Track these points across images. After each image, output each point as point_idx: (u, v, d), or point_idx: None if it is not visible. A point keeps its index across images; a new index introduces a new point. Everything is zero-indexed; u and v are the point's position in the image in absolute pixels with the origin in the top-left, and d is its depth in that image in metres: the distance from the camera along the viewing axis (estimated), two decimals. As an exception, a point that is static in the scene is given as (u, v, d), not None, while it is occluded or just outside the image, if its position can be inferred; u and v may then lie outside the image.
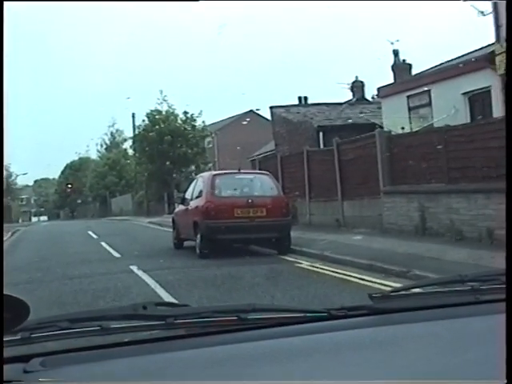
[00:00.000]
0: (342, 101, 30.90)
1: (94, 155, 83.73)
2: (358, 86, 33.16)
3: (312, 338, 1.76)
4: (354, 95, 32.69)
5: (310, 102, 34.21)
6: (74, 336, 1.75)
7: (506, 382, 1.32)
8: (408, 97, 21.60)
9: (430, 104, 20.62)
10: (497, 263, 9.54)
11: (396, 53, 30.20)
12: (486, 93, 17.91)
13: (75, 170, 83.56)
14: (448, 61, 22.04)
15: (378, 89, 24.58)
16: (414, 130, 19.36)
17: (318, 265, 12.34)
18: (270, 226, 14.21)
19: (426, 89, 20.62)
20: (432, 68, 22.53)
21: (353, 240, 15.17)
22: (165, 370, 1.59)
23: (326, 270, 11.67)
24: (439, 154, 14.49)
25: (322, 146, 23.84)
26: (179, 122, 43.83)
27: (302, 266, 12.56)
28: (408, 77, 26.87)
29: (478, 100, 18.55)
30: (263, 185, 15.50)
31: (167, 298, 8.91)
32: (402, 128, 19.58)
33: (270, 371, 1.55)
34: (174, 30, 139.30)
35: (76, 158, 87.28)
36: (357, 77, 33.88)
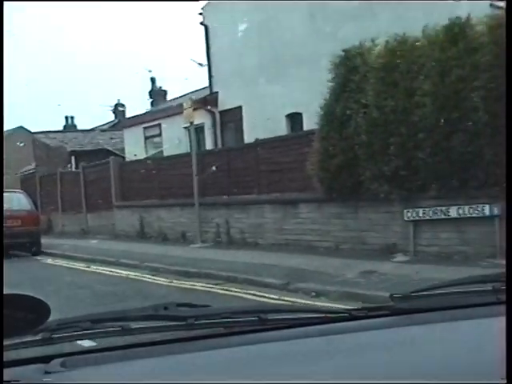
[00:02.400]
0: (110, 120, 34.91)
1: None
2: (119, 109, 37.00)
3: (333, 338, 1.74)
4: (116, 117, 36.43)
5: (77, 121, 37.93)
6: (94, 337, 1.78)
7: (505, 382, 1.33)
8: (144, 128, 26.45)
9: (160, 135, 25.63)
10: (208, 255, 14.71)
11: (153, 80, 34.77)
12: (200, 128, 23.21)
13: None
14: (176, 98, 27.36)
15: (120, 121, 29.36)
16: (147, 156, 24.33)
17: (58, 261, 16.87)
18: (23, 233, 18.41)
19: (157, 122, 25.65)
20: (180, 97, 27.32)
21: (90, 243, 19.88)
22: (186, 370, 1.60)
23: (64, 264, 16.23)
24: (154, 177, 19.58)
25: (73, 168, 28.11)
26: None
27: (47, 262, 17.01)
28: (163, 102, 31.65)
29: (197, 133, 23.84)
30: (19, 201, 19.69)
31: None
32: (135, 155, 24.40)
33: (291, 372, 1.53)
34: None
35: None
36: (119, 100, 37.71)
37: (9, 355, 1.59)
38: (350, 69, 12.45)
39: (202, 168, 17.28)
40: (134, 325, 1.79)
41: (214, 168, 16.88)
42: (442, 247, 11.48)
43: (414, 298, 2.04)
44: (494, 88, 10.63)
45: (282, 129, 18.77)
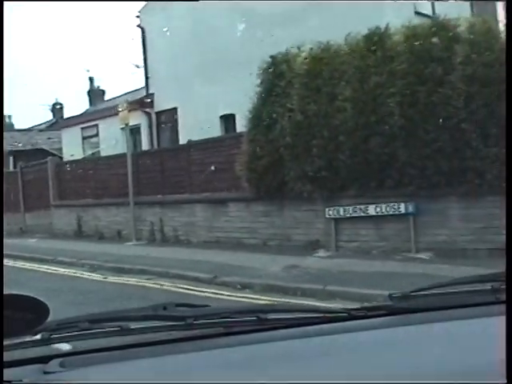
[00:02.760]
0: (48, 120, 34.80)
1: None
2: (57, 108, 36.79)
3: (332, 338, 1.75)
4: (54, 116, 36.16)
5: (14, 120, 37.54)
6: (93, 337, 1.76)
7: (505, 382, 1.33)
8: (82, 128, 26.68)
9: (97, 135, 25.91)
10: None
11: (91, 80, 34.76)
12: (137, 129, 23.59)
13: None
14: (114, 98, 27.68)
15: (58, 121, 29.50)
16: (85, 156, 24.61)
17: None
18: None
19: (95, 123, 25.93)
20: (118, 97, 27.42)
21: (28, 242, 20.09)
22: (185, 370, 1.60)
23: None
24: (91, 176, 19.94)
25: (11, 168, 28.14)
26: None
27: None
28: (101, 101, 31.73)
29: (133, 134, 24.22)
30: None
31: None
32: (72, 155, 24.64)
33: (290, 372, 1.54)
34: None
35: None
36: (57, 99, 37.40)
37: (8, 355, 1.58)
38: (277, 75, 13.12)
39: (138, 168, 17.75)
40: (133, 325, 1.79)
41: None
42: (362, 243, 12.23)
43: (413, 298, 2.03)
44: (408, 94, 11.43)
45: (216, 129, 19.34)
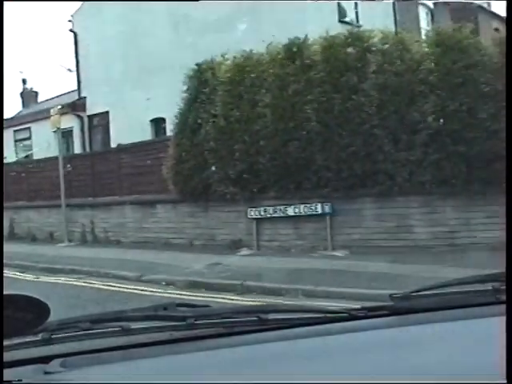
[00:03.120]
0: None
1: None
2: None
3: (333, 338, 1.75)
4: None
5: None
6: (94, 337, 1.77)
7: (506, 382, 1.34)
8: (14, 131, 26.73)
9: (30, 138, 26.04)
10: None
11: (24, 81, 34.55)
12: (69, 132, 23.81)
13: None
14: (47, 100, 27.86)
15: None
16: (17, 159, 24.72)
17: None
18: None
19: (27, 126, 26.05)
20: (51, 99, 27.64)
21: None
22: (186, 370, 1.61)
23: None
24: (23, 179, 20.23)
25: None
26: None
27: None
28: (34, 104, 31.64)
29: (65, 137, 24.43)
30: None
31: None
32: (4, 158, 24.63)
33: (291, 372, 1.54)
34: None
35: None
36: None
37: (9, 355, 1.58)
38: (202, 82, 13.71)
39: (70, 171, 18.10)
40: (134, 325, 1.80)
41: (68, 167, 17.41)
42: (282, 242, 12.91)
43: (414, 298, 2.02)
44: (324, 101, 12.18)
45: (146, 133, 19.83)
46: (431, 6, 25.35)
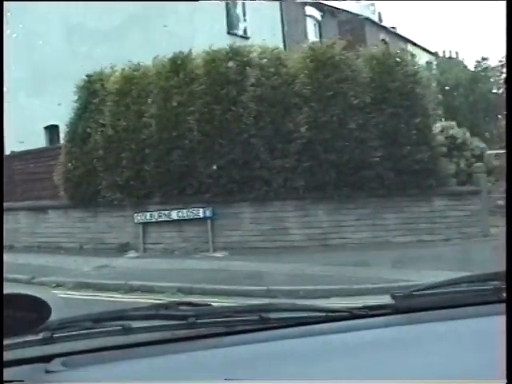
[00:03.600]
0: None
1: None
2: None
3: (334, 337, 1.75)
4: None
5: None
6: (95, 336, 1.77)
7: (506, 382, 1.35)
8: None
9: None
10: None
11: None
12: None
13: None
14: None
15: None
16: None
17: None
18: None
19: None
20: None
21: None
22: (187, 369, 1.61)
23: None
24: None
25: None
26: None
27: None
28: None
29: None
30: None
31: None
32: None
33: (292, 371, 1.55)
34: None
35: None
36: None
37: (10, 354, 1.58)
38: (91, 92, 14.35)
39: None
40: (135, 324, 1.79)
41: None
42: (167, 244, 13.71)
43: (415, 297, 2.00)
44: (206, 112, 13.08)
45: (41, 140, 20.17)
46: (319, 18, 26.52)
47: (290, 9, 24.32)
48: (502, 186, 18.81)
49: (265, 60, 13.50)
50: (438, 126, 19.43)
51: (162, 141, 13.33)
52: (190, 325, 1.77)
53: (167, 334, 1.78)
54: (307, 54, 13.46)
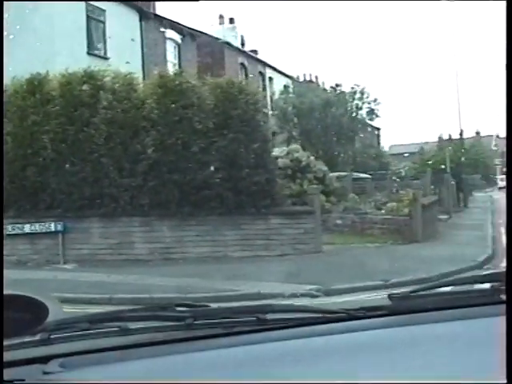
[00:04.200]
0: None
1: None
2: None
3: (331, 338, 1.75)
4: None
5: None
6: (93, 337, 1.77)
7: (506, 382, 1.34)
8: None
9: None
10: None
11: None
12: None
13: None
14: None
15: None
16: None
17: None
18: None
19: None
20: None
21: None
22: (184, 371, 1.61)
23: None
24: None
25: None
26: None
27: None
28: None
29: None
30: None
31: None
32: None
33: (290, 372, 1.55)
34: None
35: None
36: None
37: (8, 355, 1.59)
38: None
39: None
40: (133, 325, 1.80)
41: None
42: (20, 256, 14.34)
43: (413, 298, 2.00)
44: (60, 132, 13.94)
45: None
46: (179, 41, 27.66)
47: (149, 31, 25.28)
48: (342, 205, 20.65)
49: (117, 85, 14.47)
50: (284, 150, 21.12)
51: (17, 157, 14.02)
52: (188, 326, 1.78)
53: (164, 335, 1.79)
54: (157, 80, 14.56)
